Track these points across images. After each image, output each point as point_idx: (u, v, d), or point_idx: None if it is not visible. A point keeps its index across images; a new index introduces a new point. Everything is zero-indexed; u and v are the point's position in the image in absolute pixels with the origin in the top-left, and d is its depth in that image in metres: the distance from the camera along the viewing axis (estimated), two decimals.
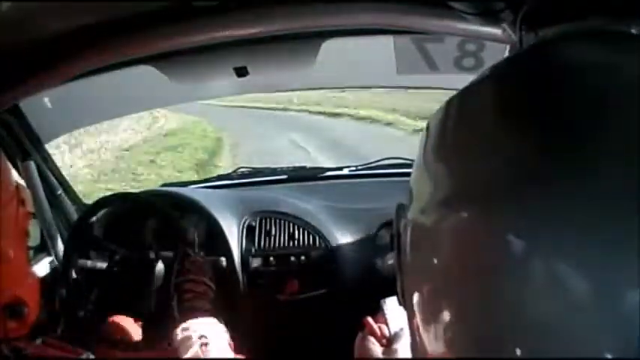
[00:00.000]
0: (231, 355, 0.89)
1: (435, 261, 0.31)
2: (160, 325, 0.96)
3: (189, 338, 0.88)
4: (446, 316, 0.31)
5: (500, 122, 0.30)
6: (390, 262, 1.40)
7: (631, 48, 0.30)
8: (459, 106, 0.34)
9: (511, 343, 0.27)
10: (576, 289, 0.25)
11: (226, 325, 0.96)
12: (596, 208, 0.25)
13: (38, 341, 0.84)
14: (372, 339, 0.78)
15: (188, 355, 0.86)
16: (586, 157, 0.26)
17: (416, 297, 0.34)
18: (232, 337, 0.94)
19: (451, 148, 0.32)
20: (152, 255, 1.12)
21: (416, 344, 0.36)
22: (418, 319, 0.34)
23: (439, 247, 0.31)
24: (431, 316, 0.33)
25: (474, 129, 0.31)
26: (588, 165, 0.26)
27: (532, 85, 0.30)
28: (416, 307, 0.34)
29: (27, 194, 0.77)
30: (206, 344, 0.86)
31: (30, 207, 0.78)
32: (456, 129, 0.33)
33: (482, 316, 0.29)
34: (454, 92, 0.35)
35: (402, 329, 0.75)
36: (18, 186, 0.75)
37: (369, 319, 0.81)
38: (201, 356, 0.85)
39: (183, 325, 0.91)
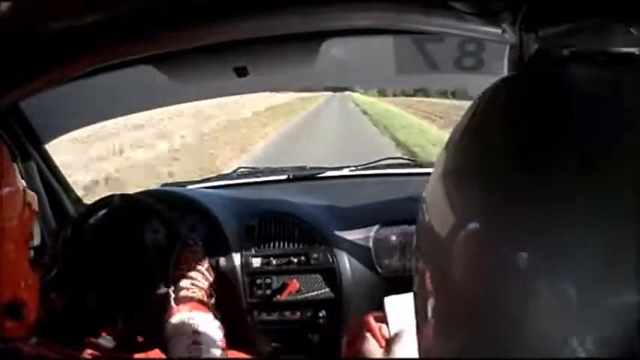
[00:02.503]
0: (224, 353, 0.88)
1: (447, 271, 0.33)
2: (159, 324, 0.96)
3: (181, 333, 0.87)
4: (451, 323, 0.33)
5: (511, 143, 0.31)
6: (389, 262, 1.40)
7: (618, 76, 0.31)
8: (477, 122, 0.34)
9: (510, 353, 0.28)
10: (577, 304, 0.26)
11: (225, 323, 0.95)
12: (599, 227, 0.26)
13: (33, 341, 0.84)
14: (370, 339, 0.78)
15: (178, 350, 0.85)
16: (587, 177, 0.27)
17: (427, 302, 0.35)
18: (226, 334, 0.93)
19: (466, 164, 0.33)
20: (150, 255, 1.12)
21: (421, 346, 0.37)
22: (427, 321, 0.35)
23: (450, 258, 0.32)
24: (437, 323, 0.34)
25: (488, 147, 0.32)
26: (590, 185, 0.27)
27: (544, 108, 0.31)
28: (426, 311, 0.36)
29: (32, 197, 0.77)
30: (198, 342, 0.85)
31: (36, 209, 0.78)
32: (472, 146, 0.34)
33: (487, 327, 0.30)
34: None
35: (402, 331, 0.74)
36: (25, 189, 0.75)
37: (370, 318, 0.80)
38: (192, 354, 0.84)
39: (177, 315, 0.90)
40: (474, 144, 0.33)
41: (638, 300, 0.25)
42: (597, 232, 0.26)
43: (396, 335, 0.74)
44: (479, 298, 0.30)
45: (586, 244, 0.26)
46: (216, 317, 0.94)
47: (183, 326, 0.88)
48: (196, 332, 0.86)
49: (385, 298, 0.77)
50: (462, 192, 0.32)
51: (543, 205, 0.27)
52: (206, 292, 0.99)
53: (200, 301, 0.95)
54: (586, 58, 0.35)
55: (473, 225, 0.30)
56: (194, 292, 0.96)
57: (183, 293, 0.95)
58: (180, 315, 0.90)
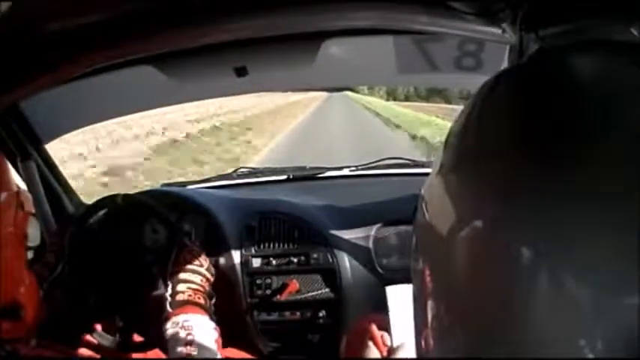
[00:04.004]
0: (218, 354, 0.89)
1: (448, 270, 0.32)
2: (157, 323, 0.96)
3: (176, 336, 0.87)
4: (452, 324, 0.32)
5: (512, 136, 0.30)
6: (389, 262, 1.40)
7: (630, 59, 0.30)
8: (476, 117, 0.34)
9: (515, 353, 0.27)
10: (585, 303, 0.25)
11: (225, 323, 0.96)
12: (604, 220, 0.25)
13: (32, 343, 0.84)
14: (372, 347, 0.78)
15: (173, 353, 0.86)
16: (592, 170, 0.26)
17: (427, 303, 0.35)
18: (226, 334, 0.93)
19: (465, 160, 0.33)
20: (150, 255, 1.12)
21: (420, 348, 0.36)
22: (426, 322, 0.35)
23: (451, 257, 0.31)
24: (438, 323, 0.34)
25: (487, 142, 0.31)
26: (595, 179, 0.26)
27: (542, 99, 0.30)
28: (426, 311, 0.35)
29: (26, 197, 0.77)
30: (191, 343, 0.86)
31: (30, 209, 0.78)
32: (471, 141, 0.33)
33: (489, 328, 0.29)
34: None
35: (403, 344, 0.74)
36: (18, 189, 0.75)
37: (373, 326, 0.80)
38: (185, 355, 0.84)
39: (174, 318, 0.91)
40: (473, 140, 0.32)
41: None
42: (605, 229, 0.25)
43: (399, 346, 0.74)
44: (481, 297, 0.29)
45: (593, 242, 0.25)
46: (212, 319, 0.94)
47: (178, 329, 0.88)
48: (191, 334, 0.87)
49: (387, 287, 0.77)
50: (464, 189, 0.31)
51: (548, 200, 0.26)
52: (203, 293, 0.99)
53: (196, 304, 0.95)
54: (584, 47, 0.35)
55: (475, 223, 0.29)
56: (190, 296, 0.96)
57: (179, 297, 0.95)
58: (175, 319, 0.90)
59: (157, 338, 0.97)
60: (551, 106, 0.29)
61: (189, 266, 1.01)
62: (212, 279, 1.04)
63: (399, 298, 0.75)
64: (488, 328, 0.29)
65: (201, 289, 0.99)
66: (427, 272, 0.35)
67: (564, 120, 0.28)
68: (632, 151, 0.26)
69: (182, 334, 0.87)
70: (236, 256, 1.39)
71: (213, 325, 0.92)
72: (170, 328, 0.90)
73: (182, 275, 0.99)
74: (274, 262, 1.40)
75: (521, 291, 0.27)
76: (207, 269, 1.04)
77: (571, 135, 0.27)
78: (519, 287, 0.27)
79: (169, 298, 0.95)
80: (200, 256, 1.05)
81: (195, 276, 1.01)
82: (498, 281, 0.28)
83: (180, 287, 0.97)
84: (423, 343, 0.36)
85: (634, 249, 0.24)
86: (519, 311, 0.27)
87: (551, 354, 0.26)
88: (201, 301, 0.96)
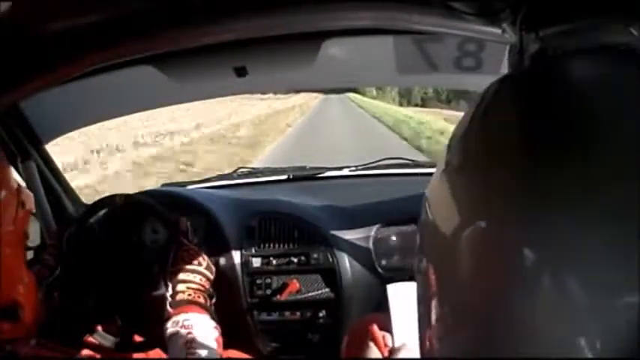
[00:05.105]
0: (218, 352, 0.89)
1: (451, 271, 0.32)
2: (158, 324, 0.96)
3: (177, 335, 0.88)
4: (456, 323, 0.32)
5: (515, 138, 0.30)
6: (389, 262, 1.40)
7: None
8: (480, 118, 0.34)
9: (518, 354, 0.27)
10: (584, 303, 0.25)
11: (225, 323, 0.96)
12: (607, 223, 0.25)
13: (32, 342, 0.84)
14: (373, 348, 0.78)
15: (174, 352, 0.86)
16: (594, 172, 0.26)
17: (430, 303, 0.35)
18: (226, 334, 0.94)
19: (470, 161, 0.33)
20: (150, 255, 1.12)
21: (424, 348, 0.36)
22: (430, 322, 0.35)
23: (455, 257, 0.31)
24: (442, 323, 0.34)
25: (492, 143, 0.31)
26: (597, 180, 0.26)
27: (547, 102, 0.30)
28: (430, 310, 0.35)
29: (27, 195, 0.77)
30: (191, 342, 0.86)
31: (31, 207, 0.78)
32: (476, 142, 0.33)
33: (492, 326, 0.29)
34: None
35: (404, 344, 0.74)
36: (19, 187, 0.75)
37: (374, 327, 0.80)
38: (185, 354, 0.85)
39: (174, 318, 0.91)
40: (478, 141, 0.32)
41: None
42: (607, 231, 0.25)
43: (400, 347, 0.74)
44: (485, 298, 0.29)
45: (596, 243, 0.25)
46: (212, 318, 0.94)
47: (178, 328, 0.88)
48: (191, 334, 0.87)
49: (387, 285, 0.76)
50: (468, 189, 0.31)
51: (551, 201, 0.27)
52: (203, 292, 0.99)
53: (196, 303, 0.95)
54: (587, 52, 0.35)
55: (479, 223, 0.29)
56: (190, 295, 0.96)
57: (179, 297, 0.95)
58: (175, 318, 0.91)
59: (158, 338, 0.97)
60: (556, 109, 0.29)
61: (188, 266, 1.01)
62: (212, 277, 1.04)
63: (400, 296, 0.75)
64: (491, 329, 0.29)
65: (201, 288, 0.99)
66: (431, 272, 0.35)
67: (569, 123, 0.28)
68: (633, 155, 0.26)
69: (182, 332, 0.87)
70: (236, 256, 1.39)
71: (213, 324, 0.92)
72: (170, 328, 0.90)
73: (181, 275, 0.99)
74: (274, 262, 1.40)
75: (524, 292, 0.27)
76: (207, 268, 1.04)
77: (575, 138, 0.27)
78: (523, 288, 0.27)
79: (169, 298, 0.96)
80: (199, 255, 1.05)
81: (195, 275, 1.00)
82: (502, 281, 0.28)
83: (180, 287, 0.97)
84: (427, 343, 0.36)
85: (633, 250, 0.24)
86: (523, 312, 0.27)
87: (553, 354, 0.26)
88: (202, 300, 0.96)
